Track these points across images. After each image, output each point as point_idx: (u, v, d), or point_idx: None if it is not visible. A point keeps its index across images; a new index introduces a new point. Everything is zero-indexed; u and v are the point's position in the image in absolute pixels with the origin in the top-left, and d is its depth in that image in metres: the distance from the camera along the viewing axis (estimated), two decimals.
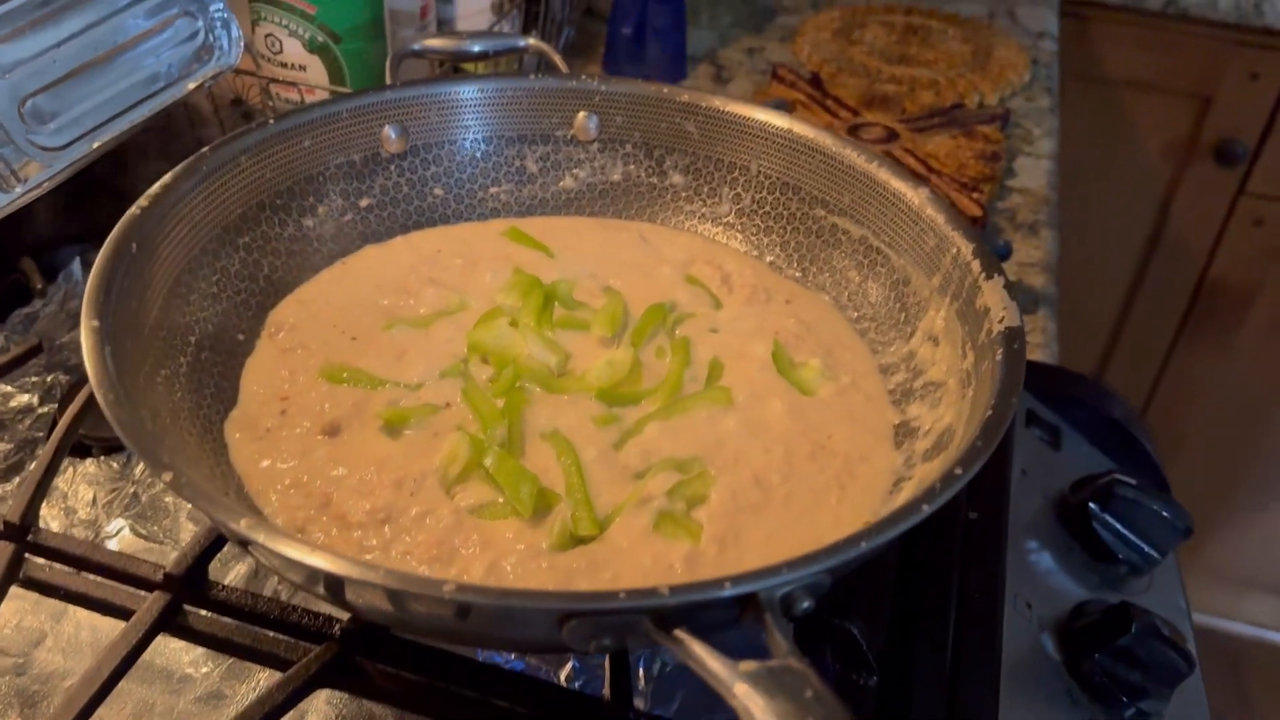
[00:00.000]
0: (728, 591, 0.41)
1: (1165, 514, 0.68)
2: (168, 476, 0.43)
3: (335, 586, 0.43)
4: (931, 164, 0.98)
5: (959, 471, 0.46)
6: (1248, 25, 1.51)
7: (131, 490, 0.68)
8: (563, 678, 0.58)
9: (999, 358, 0.53)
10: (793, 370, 0.64)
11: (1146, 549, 0.68)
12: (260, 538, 0.41)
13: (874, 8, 1.33)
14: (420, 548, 0.51)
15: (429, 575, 0.50)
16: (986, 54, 1.22)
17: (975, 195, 0.94)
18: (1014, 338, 0.53)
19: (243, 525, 0.41)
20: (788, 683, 0.36)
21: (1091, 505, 0.67)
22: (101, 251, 0.54)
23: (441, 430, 0.58)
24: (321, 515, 0.52)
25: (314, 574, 0.42)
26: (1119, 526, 0.67)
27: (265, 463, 0.55)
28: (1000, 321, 0.55)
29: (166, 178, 0.60)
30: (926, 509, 0.44)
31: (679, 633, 0.40)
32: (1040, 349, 0.82)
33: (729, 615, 0.43)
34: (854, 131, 1.04)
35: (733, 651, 0.52)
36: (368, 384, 0.61)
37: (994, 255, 0.59)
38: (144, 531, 0.66)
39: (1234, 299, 1.72)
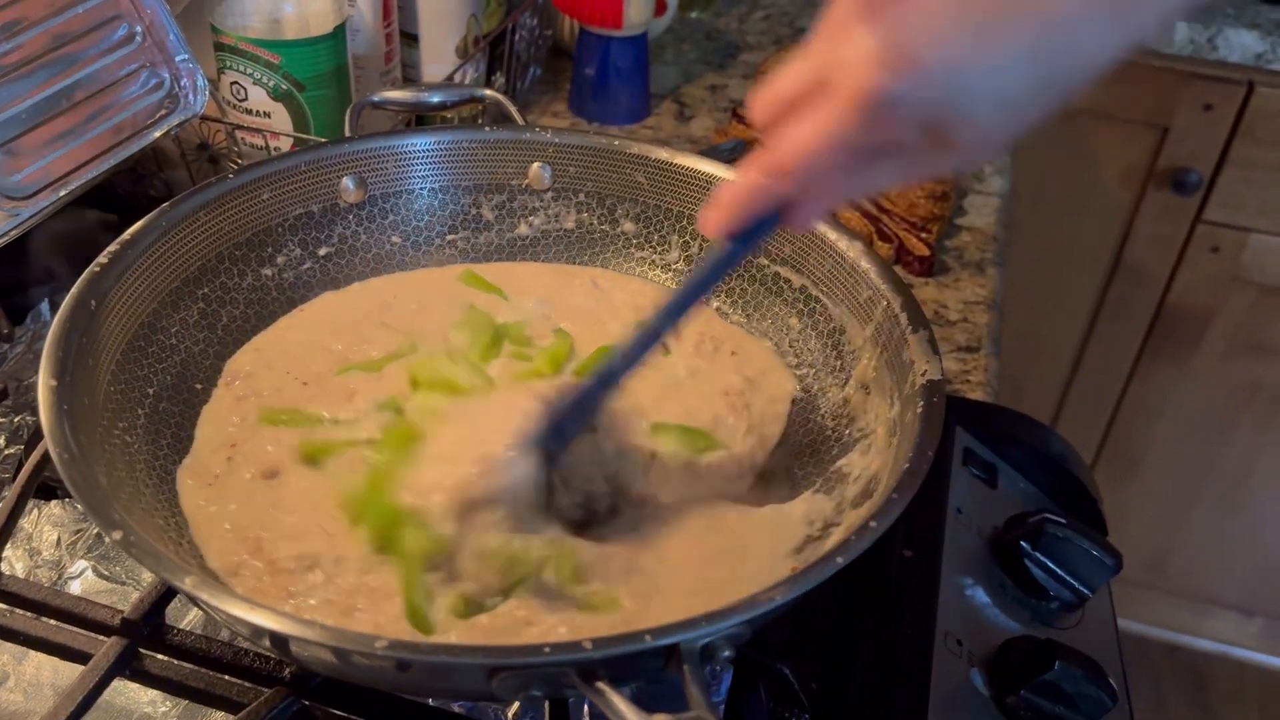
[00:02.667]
0: (649, 644, 0.43)
1: (1095, 552, 0.70)
2: (117, 535, 0.45)
3: (275, 641, 0.45)
4: (883, 203, 1.01)
5: (873, 525, 0.48)
6: (1201, 58, 1.55)
7: (95, 531, 0.70)
8: (510, 717, 0.60)
9: (919, 410, 0.55)
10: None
11: (1077, 585, 0.70)
12: (204, 596, 0.43)
13: None
14: (343, 595, 0.53)
15: (344, 622, 0.52)
16: None
17: (924, 235, 0.97)
18: (934, 391, 0.56)
19: (187, 584, 0.43)
20: None
21: (1023, 544, 0.70)
22: (60, 310, 0.56)
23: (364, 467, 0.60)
24: (254, 560, 0.55)
25: (255, 630, 0.44)
26: (1050, 564, 0.70)
27: (212, 508, 0.58)
28: (923, 374, 0.57)
29: (126, 234, 0.62)
30: (841, 561, 0.47)
31: (600, 685, 0.42)
32: (981, 387, 0.85)
33: (652, 666, 0.45)
34: None
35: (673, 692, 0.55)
36: (305, 423, 0.63)
37: (920, 309, 0.62)
38: (106, 573, 0.67)
39: (1192, 323, 1.76)
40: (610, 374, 0.56)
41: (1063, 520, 0.71)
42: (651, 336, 0.55)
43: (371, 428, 0.62)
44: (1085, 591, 0.71)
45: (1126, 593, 2.07)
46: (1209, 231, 1.68)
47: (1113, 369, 1.85)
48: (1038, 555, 0.70)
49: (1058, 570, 0.70)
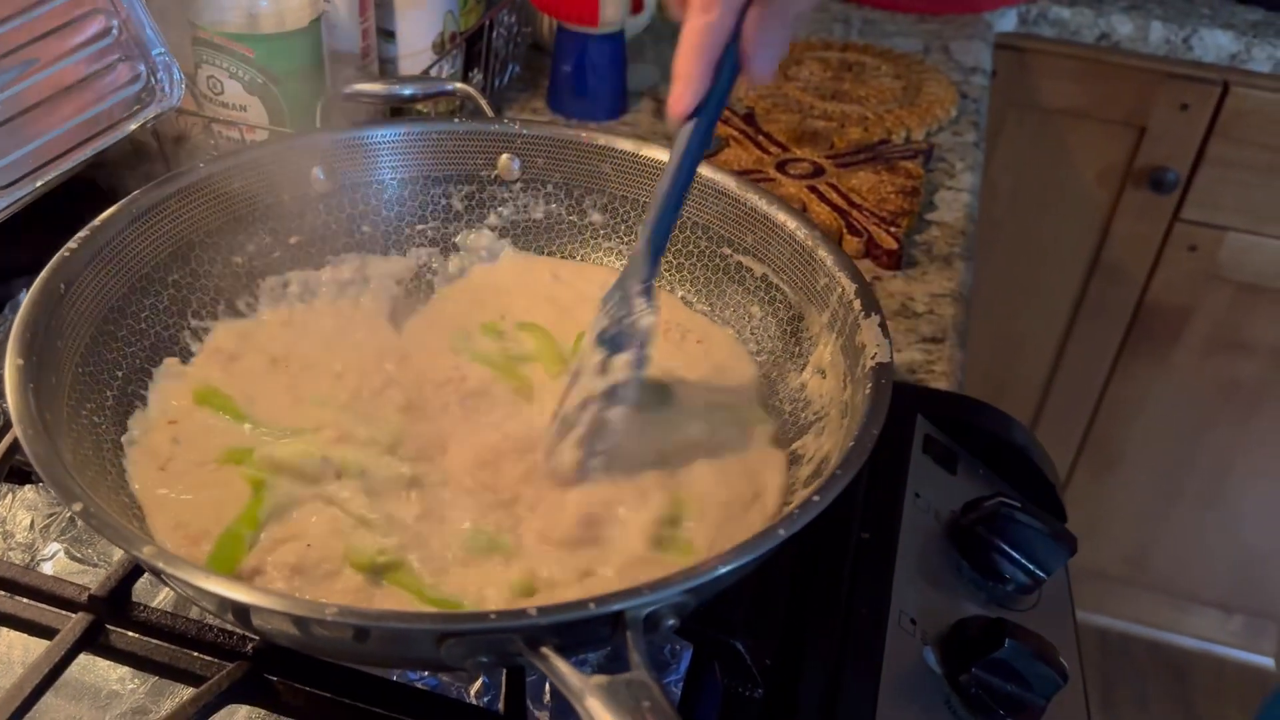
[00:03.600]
0: (593, 611, 0.44)
1: (1049, 534, 0.71)
2: (77, 507, 0.46)
3: (235, 610, 0.47)
4: (854, 198, 1.03)
5: (816, 499, 0.50)
6: (1177, 58, 1.57)
7: (68, 515, 0.71)
8: (472, 694, 0.62)
9: (868, 391, 0.57)
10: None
11: (1032, 568, 0.72)
12: (161, 565, 0.44)
13: (812, 44, 1.38)
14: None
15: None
16: (916, 90, 1.27)
17: (893, 229, 0.99)
18: (882, 373, 0.57)
19: (145, 553, 0.45)
20: (632, 693, 0.40)
21: (979, 527, 0.71)
22: (30, 292, 0.57)
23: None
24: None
25: (215, 599, 0.45)
26: (1005, 547, 0.71)
27: (161, 490, 0.59)
28: (873, 358, 0.59)
29: (96, 220, 0.63)
30: (783, 534, 0.48)
31: (544, 650, 0.43)
32: (945, 377, 0.87)
33: (599, 633, 0.47)
34: (782, 167, 1.08)
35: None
36: (232, 415, 0.64)
37: (873, 295, 0.63)
38: (78, 555, 0.69)
39: (1171, 321, 1.78)
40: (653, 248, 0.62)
41: (1018, 504, 0.72)
42: (670, 209, 0.62)
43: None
44: (1040, 574, 0.72)
45: (1108, 589, 2.09)
46: (1186, 230, 1.69)
47: (1092, 367, 1.87)
48: (993, 538, 0.71)
49: (1013, 553, 0.71)
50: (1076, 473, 1.98)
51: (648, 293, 0.62)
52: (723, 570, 0.47)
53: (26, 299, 0.57)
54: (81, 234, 0.62)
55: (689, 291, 0.77)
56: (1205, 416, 1.85)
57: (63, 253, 0.61)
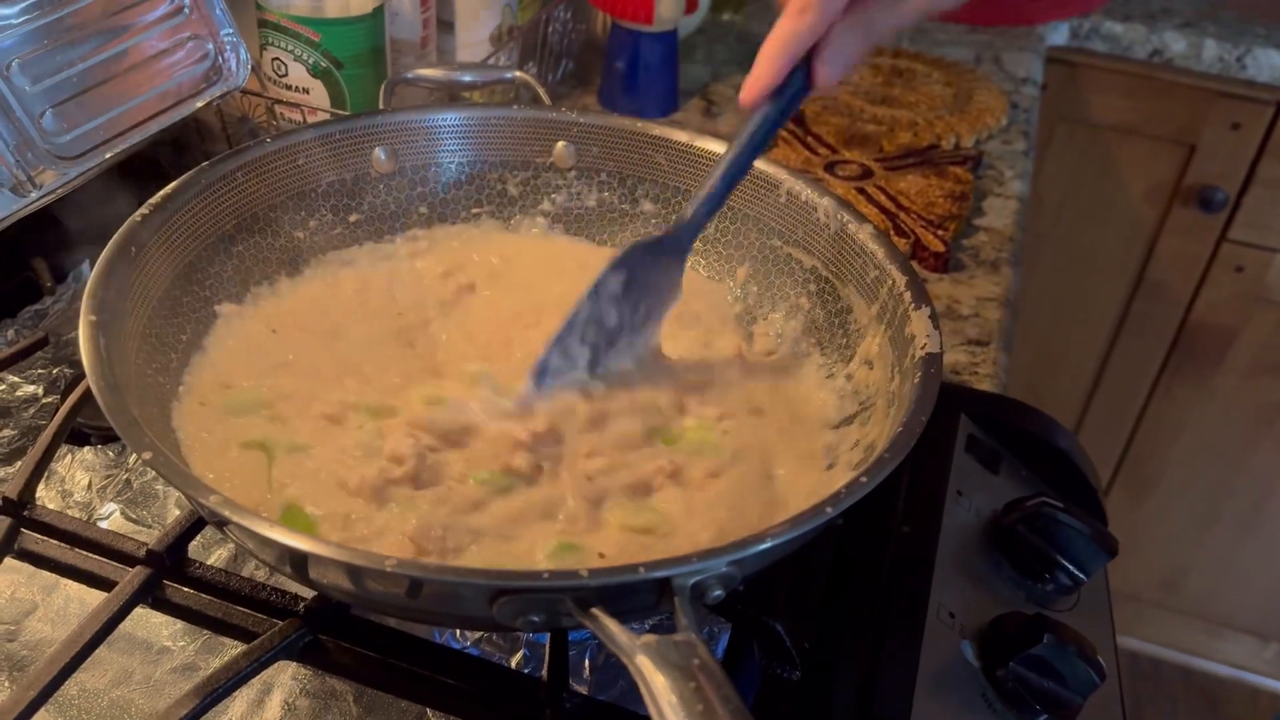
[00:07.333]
0: (642, 576, 0.45)
1: (1091, 536, 0.71)
2: (147, 455, 0.48)
3: (294, 561, 0.48)
4: (901, 201, 1.03)
5: (864, 480, 0.50)
6: (1230, 77, 1.56)
7: (125, 477, 0.73)
8: (514, 663, 0.63)
9: (917, 380, 0.57)
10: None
11: (1072, 569, 0.72)
12: (227, 513, 0.46)
13: None
14: None
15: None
16: (967, 97, 1.27)
17: (940, 232, 0.99)
18: (932, 363, 0.58)
19: (212, 501, 0.46)
20: (681, 652, 0.41)
21: (1020, 526, 0.71)
22: (103, 253, 0.59)
23: None
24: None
25: (275, 548, 0.47)
26: (1046, 547, 0.71)
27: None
28: (922, 348, 0.59)
29: (168, 188, 0.65)
30: (830, 512, 0.49)
31: (595, 610, 0.44)
32: (989, 379, 0.87)
33: (646, 600, 0.47)
34: (830, 168, 1.09)
35: None
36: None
37: (924, 288, 0.64)
38: (134, 515, 0.71)
39: (1215, 342, 1.76)
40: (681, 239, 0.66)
41: (1060, 505, 0.72)
42: (715, 201, 0.65)
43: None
44: (1080, 576, 0.72)
45: (1142, 612, 2.06)
46: (1233, 250, 1.68)
47: (1134, 385, 1.85)
48: (1034, 538, 0.71)
49: (1054, 554, 0.71)
50: (1113, 492, 1.96)
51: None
52: (769, 544, 0.47)
53: (100, 258, 0.59)
54: (153, 200, 0.64)
55: (737, 282, 0.78)
56: (1246, 440, 1.83)
57: (134, 218, 0.62)
